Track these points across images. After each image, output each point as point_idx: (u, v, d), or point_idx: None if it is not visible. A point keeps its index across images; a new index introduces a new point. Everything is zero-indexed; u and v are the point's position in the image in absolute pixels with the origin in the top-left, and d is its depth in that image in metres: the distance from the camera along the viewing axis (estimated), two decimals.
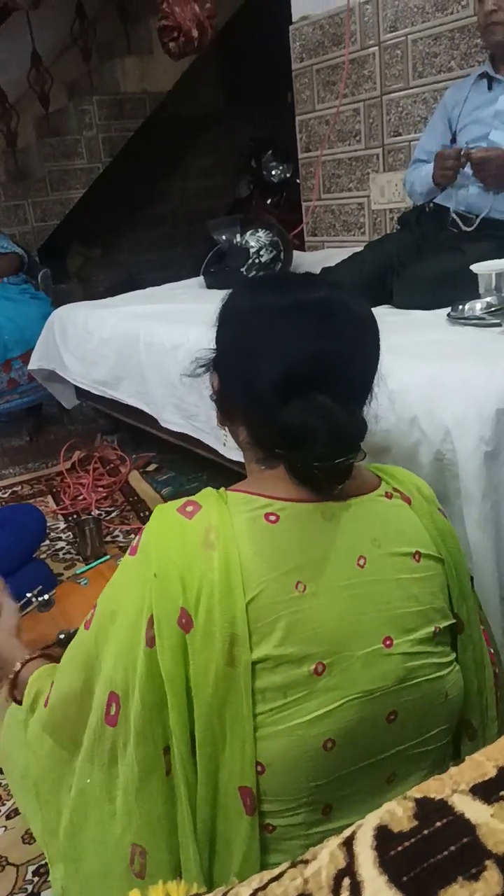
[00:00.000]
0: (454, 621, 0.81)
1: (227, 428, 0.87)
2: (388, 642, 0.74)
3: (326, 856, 0.32)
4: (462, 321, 1.65)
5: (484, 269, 1.72)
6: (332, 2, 2.92)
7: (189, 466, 2.56)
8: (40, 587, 1.35)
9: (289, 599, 0.71)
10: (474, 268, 1.72)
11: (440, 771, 0.83)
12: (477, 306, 1.68)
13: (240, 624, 0.69)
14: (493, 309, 1.68)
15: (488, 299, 1.68)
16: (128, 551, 0.77)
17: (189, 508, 0.75)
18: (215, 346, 0.84)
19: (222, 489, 0.79)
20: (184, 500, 0.76)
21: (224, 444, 0.90)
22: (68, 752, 0.83)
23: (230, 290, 0.84)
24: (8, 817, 1.19)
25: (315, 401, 0.71)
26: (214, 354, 0.84)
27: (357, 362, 0.77)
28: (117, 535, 2.18)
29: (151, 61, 4.37)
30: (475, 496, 1.19)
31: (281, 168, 4.94)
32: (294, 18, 3.16)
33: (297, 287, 0.80)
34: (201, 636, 0.69)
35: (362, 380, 0.79)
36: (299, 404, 0.71)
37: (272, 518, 0.73)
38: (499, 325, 1.60)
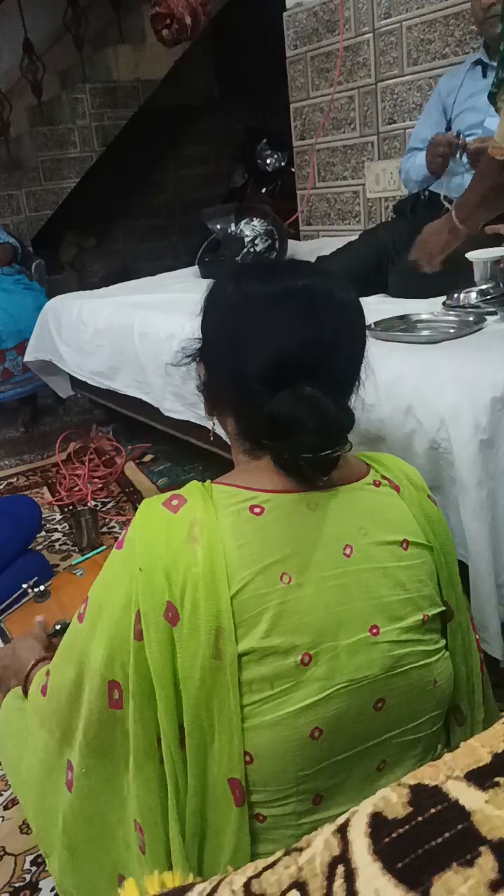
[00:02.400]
0: (443, 609, 0.81)
1: (215, 419, 0.86)
2: (374, 631, 0.74)
3: (321, 843, 0.32)
4: (457, 310, 1.65)
5: (479, 256, 1.71)
6: None
7: (184, 457, 2.56)
8: (36, 578, 1.35)
9: (274, 591, 0.71)
10: (470, 255, 1.71)
11: (432, 757, 0.83)
12: (472, 295, 1.68)
13: (225, 617, 0.69)
14: (488, 297, 1.67)
15: (483, 287, 1.68)
16: (115, 545, 0.77)
17: (174, 502, 0.75)
18: (201, 336, 0.83)
19: (207, 482, 0.79)
20: (169, 493, 0.76)
21: (211, 437, 0.89)
22: (58, 743, 0.83)
23: (214, 280, 0.83)
24: (5, 807, 1.19)
25: (303, 391, 0.70)
26: (200, 344, 0.84)
27: (343, 350, 0.76)
28: (113, 526, 2.18)
29: (144, 49, 4.34)
30: (471, 484, 1.19)
31: (275, 157, 4.91)
32: (288, 5, 3.13)
33: (281, 275, 0.78)
34: (188, 629, 0.69)
35: (349, 368, 0.78)
36: (287, 395, 0.70)
37: (257, 510, 0.73)
38: (494, 313, 1.59)
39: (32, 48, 4.16)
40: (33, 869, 1.08)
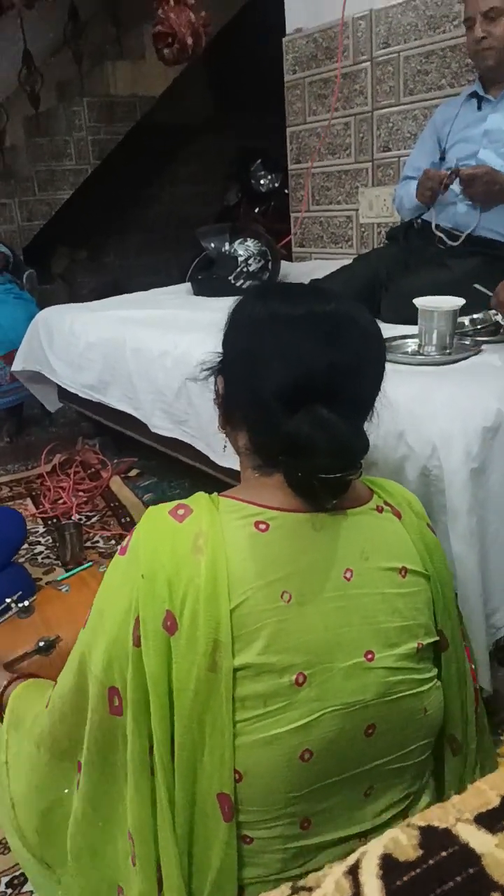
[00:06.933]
0: (437, 638, 0.82)
1: (226, 433, 0.87)
2: (369, 656, 0.74)
3: (331, 884, 0.31)
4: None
5: (425, 304, 1.55)
6: (326, 15, 2.94)
7: (171, 473, 2.55)
8: (20, 593, 1.33)
9: (274, 608, 0.71)
10: (417, 301, 1.55)
11: (419, 785, 0.83)
12: (465, 321, 1.69)
13: (223, 630, 0.69)
14: (479, 327, 1.69)
15: (475, 316, 1.70)
16: (118, 550, 0.77)
17: (180, 512, 0.75)
18: (223, 351, 0.84)
19: (214, 494, 0.79)
20: (175, 503, 0.77)
21: (224, 449, 0.90)
22: (63, 753, 0.83)
23: (241, 297, 0.84)
24: None
25: (320, 413, 0.71)
26: (221, 358, 0.84)
27: (363, 377, 0.78)
28: (97, 541, 2.16)
29: (143, 66, 4.38)
30: (461, 511, 1.20)
31: (269, 178, 4.96)
32: (288, 30, 3.18)
33: (308, 298, 0.80)
34: (185, 640, 0.69)
35: (367, 394, 0.79)
36: (304, 416, 0.71)
37: (262, 527, 0.74)
38: (487, 341, 1.61)
39: (32, 59, 4.18)
40: (9, 891, 1.06)
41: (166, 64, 2.88)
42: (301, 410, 0.72)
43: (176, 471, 2.48)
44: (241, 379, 0.81)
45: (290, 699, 0.71)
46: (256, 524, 0.74)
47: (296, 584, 0.72)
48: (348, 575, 0.75)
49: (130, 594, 0.72)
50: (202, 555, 0.71)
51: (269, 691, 0.70)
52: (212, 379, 0.87)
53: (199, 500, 0.77)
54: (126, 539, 0.77)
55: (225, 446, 0.89)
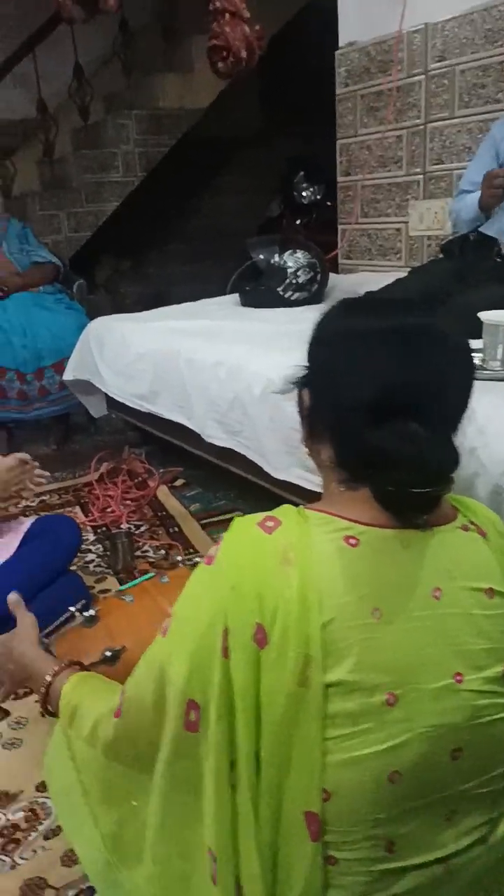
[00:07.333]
0: None
1: (308, 446, 0.86)
2: (458, 678, 0.73)
3: None
4: None
5: (490, 318, 1.51)
6: (381, 29, 2.94)
7: (217, 483, 2.55)
8: (83, 601, 1.33)
9: (364, 625, 0.70)
10: (482, 315, 1.52)
11: (499, 811, 0.81)
12: None
13: (314, 645, 0.68)
14: None
15: None
16: (204, 559, 0.77)
17: (269, 524, 0.75)
18: (308, 363, 0.83)
19: (301, 507, 0.79)
20: (263, 514, 0.76)
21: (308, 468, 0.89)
22: (145, 771, 0.82)
23: (328, 309, 0.84)
24: (46, 837, 1.16)
25: (405, 427, 0.70)
26: (307, 371, 0.84)
27: (452, 392, 0.77)
28: (147, 550, 2.16)
29: (191, 79, 4.41)
30: None
31: (312, 189, 4.97)
32: (341, 43, 3.18)
33: (397, 312, 0.79)
34: (275, 654, 0.69)
35: (454, 409, 0.78)
36: (390, 429, 0.70)
37: (352, 541, 0.73)
38: None
39: (83, 73, 4.24)
40: None
41: (220, 77, 2.91)
42: (386, 423, 0.71)
43: (222, 481, 2.48)
44: (326, 393, 0.81)
45: (380, 719, 0.70)
46: (346, 539, 0.73)
47: (385, 602, 0.71)
48: (437, 594, 0.74)
49: (216, 605, 0.71)
50: (292, 567, 0.70)
51: (359, 710, 0.69)
52: (296, 392, 0.86)
53: (288, 512, 0.77)
54: (212, 549, 0.76)
55: (307, 461, 0.88)
